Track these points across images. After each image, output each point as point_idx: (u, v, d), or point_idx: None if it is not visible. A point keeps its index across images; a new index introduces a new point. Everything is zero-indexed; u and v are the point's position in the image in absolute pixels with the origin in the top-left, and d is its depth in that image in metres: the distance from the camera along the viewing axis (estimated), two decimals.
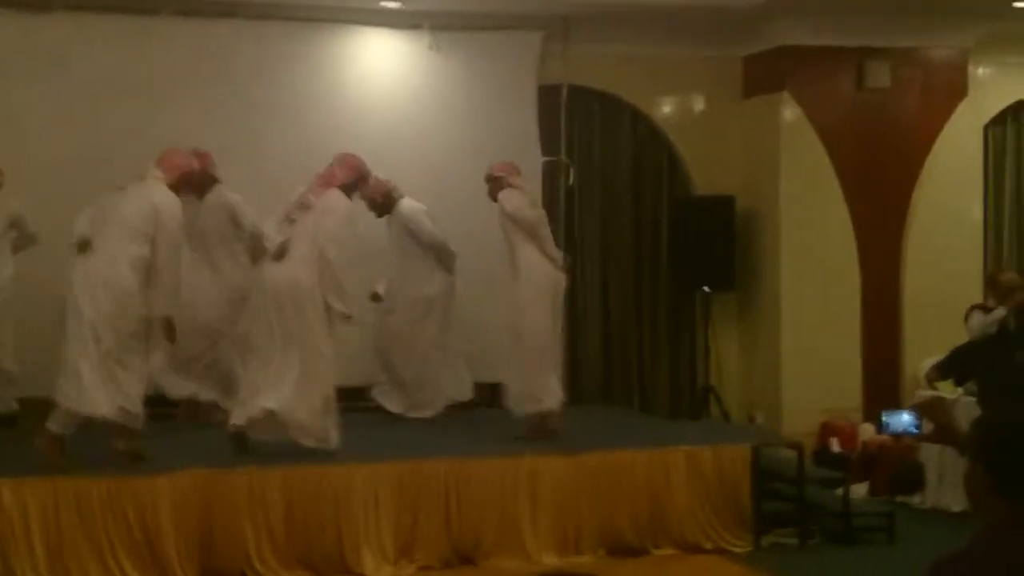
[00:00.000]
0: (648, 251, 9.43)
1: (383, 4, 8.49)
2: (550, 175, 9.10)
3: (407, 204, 7.95)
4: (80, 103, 8.10)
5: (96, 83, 8.16)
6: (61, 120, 8.06)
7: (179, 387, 7.65)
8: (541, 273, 7.23)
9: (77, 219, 6.56)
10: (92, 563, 6.04)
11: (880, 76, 9.01)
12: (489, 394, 8.07)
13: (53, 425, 6.30)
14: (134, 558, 6.10)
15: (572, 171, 9.14)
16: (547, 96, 9.05)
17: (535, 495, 6.74)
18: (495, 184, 7.38)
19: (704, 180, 9.36)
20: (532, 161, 8.91)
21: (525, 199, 7.41)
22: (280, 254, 6.72)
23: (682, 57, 9.24)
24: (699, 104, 9.48)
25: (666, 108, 9.45)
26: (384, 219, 8.00)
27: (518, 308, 7.20)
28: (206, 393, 7.67)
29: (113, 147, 7.93)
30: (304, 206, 6.81)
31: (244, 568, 6.27)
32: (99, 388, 6.23)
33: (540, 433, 7.19)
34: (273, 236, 6.80)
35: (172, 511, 6.16)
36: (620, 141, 9.42)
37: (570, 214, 9.22)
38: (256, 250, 7.42)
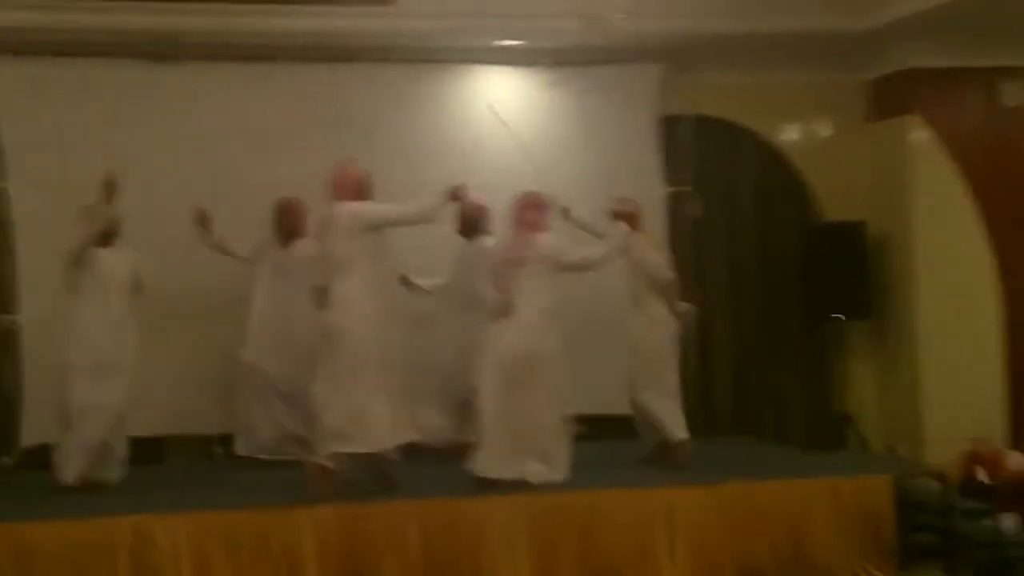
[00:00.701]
0: (778, 279, 9.31)
1: (501, 43, 8.56)
2: (674, 206, 9.06)
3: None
4: (203, 149, 8.31)
5: (219, 129, 8.38)
6: (184, 165, 8.27)
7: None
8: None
9: None
10: None
11: (1016, 94, 8.83)
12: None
13: (326, 459, 6.55)
14: None
15: (698, 201, 9.08)
16: (669, 127, 9.03)
17: (672, 527, 6.68)
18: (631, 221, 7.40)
19: (832, 206, 9.24)
20: (655, 193, 8.92)
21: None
22: (506, 311, 6.81)
23: (805, 82, 9.15)
24: (824, 129, 9.38)
25: (790, 134, 9.36)
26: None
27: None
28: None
29: (234, 192, 8.17)
30: (519, 262, 6.86)
31: None
32: (383, 423, 6.58)
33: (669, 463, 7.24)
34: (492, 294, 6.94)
35: (315, 546, 6.23)
36: (744, 169, 9.34)
37: (696, 245, 9.15)
38: None
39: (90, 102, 8.21)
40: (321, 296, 6.73)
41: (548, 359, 6.84)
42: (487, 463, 6.76)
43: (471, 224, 7.90)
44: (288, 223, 8.02)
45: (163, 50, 8.22)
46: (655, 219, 8.83)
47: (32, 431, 8.02)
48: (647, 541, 6.63)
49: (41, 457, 7.94)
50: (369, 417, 6.62)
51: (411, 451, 6.98)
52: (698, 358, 9.05)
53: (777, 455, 8.37)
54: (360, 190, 6.91)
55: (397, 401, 6.74)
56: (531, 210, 7.02)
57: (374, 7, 8.01)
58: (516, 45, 8.60)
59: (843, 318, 9.03)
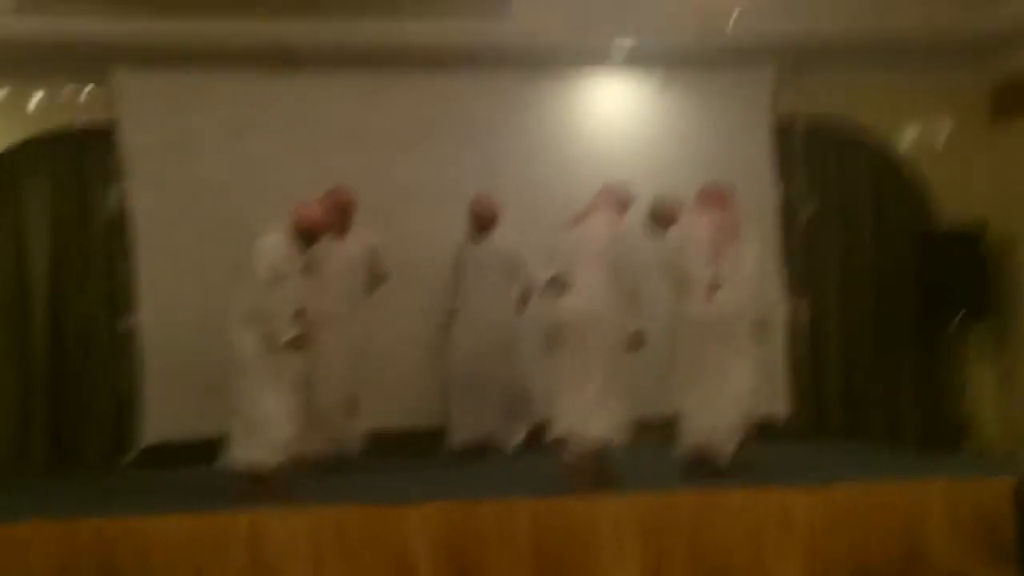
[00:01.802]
0: (893, 282, 9.15)
1: (615, 47, 8.57)
2: (786, 209, 8.98)
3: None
4: (323, 155, 8.45)
5: (338, 136, 8.52)
6: (304, 172, 8.37)
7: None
8: None
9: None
10: None
11: None
12: None
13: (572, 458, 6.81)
14: None
15: (810, 204, 8.98)
16: (783, 129, 8.95)
17: (785, 529, 6.60)
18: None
19: (951, 208, 9.06)
20: (768, 193, 8.86)
21: None
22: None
23: (924, 83, 8.98)
24: (943, 131, 9.20)
25: (908, 136, 9.20)
26: None
27: None
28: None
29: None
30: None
31: None
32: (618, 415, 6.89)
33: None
34: None
35: (425, 542, 6.32)
36: (860, 171, 9.22)
37: (809, 247, 9.06)
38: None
39: (210, 109, 8.43)
40: (556, 286, 6.90)
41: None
42: None
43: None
44: (481, 218, 8.12)
45: (282, 59, 8.39)
46: (767, 221, 8.80)
47: (151, 430, 8.26)
48: (759, 542, 6.57)
49: (159, 455, 8.22)
50: (606, 408, 6.83)
51: None
52: (810, 360, 8.96)
53: (891, 457, 8.22)
54: None
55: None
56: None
57: (490, 14, 8.07)
58: (630, 49, 8.59)
59: (960, 321, 8.82)
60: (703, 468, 7.09)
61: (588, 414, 6.83)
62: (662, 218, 7.53)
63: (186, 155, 8.36)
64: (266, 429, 6.77)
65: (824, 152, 9.19)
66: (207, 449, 8.14)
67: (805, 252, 9.04)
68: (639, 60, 8.73)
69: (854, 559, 6.61)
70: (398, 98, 8.62)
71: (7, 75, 8.31)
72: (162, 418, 8.22)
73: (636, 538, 6.51)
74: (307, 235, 7.08)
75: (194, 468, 8.01)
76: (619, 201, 7.25)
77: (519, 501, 6.53)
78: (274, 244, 6.98)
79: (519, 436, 8.14)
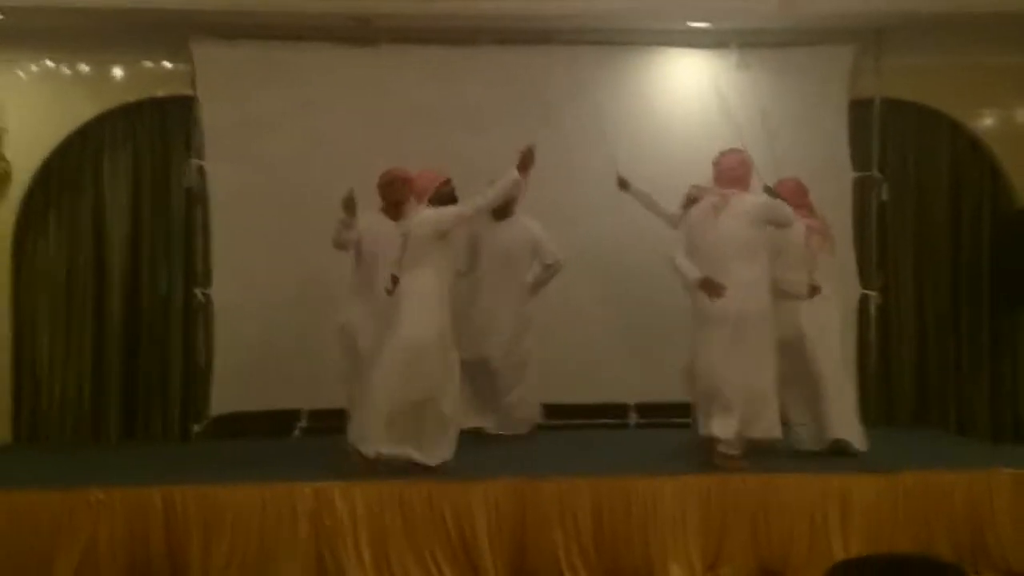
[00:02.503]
0: (967, 268, 9.05)
1: (691, 24, 8.53)
2: (862, 191, 8.89)
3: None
4: (397, 132, 8.43)
5: (414, 112, 8.52)
6: (379, 147, 8.32)
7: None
8: None
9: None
10: (412, 564, 6.31)
11: None
12: None
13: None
14: (451, 561, 6.34)
15: (885, 187, 8.88)
16: (859, 110, 8.85)
17: (846, 514, 6.57)
18: None
19: None
20: (843, 177, 8.77)
21: None
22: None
23: (1005, 65, 8.83)
24: (1022, 114, 9.04)
25: (987, 119, 9.05)
26: None
27: None
28: None
29: None
30: None
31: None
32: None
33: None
34: None
35: (486, 517, 6.37)
36: (936, 154, 9.10)
37: (883, 231, 8.97)
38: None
39: (288, 84, 8.50)
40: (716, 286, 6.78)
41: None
42: None
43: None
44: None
45: (359, 33, 8.44)
46: (844, 204, 8.72)
47: (221, 401, 8.42)
48: (820, 527, 6.53)
49: (230, 425, 8.36)
50: (772, 404, 6.88)
51: None
52: (881, 346, 8.88)
53: (959, 446, 8.16)
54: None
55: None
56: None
57: None
58: (705, 28, 8.53)
59: None
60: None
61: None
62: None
63: (263, 130, 8.45)
64: None
65: (902, 134, 9.08)
66: (275, 420, 8.36)
67: (880, 235, 8.93)
68: (716, 38, 8.67)
69: (918, 546, 6.54)
70: (474, 73, 8.63)
71: (90, 48, 8.48)
72: (233, 390, 8.36)
73: (697, 518, 6.52)
74: None
75: (263, 439, 8.26)
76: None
77: (580, 479, 6.55)
78: None
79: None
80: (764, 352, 6.85)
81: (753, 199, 6.96)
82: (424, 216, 6.88)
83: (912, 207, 9.07)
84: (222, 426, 8.42)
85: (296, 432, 8.41)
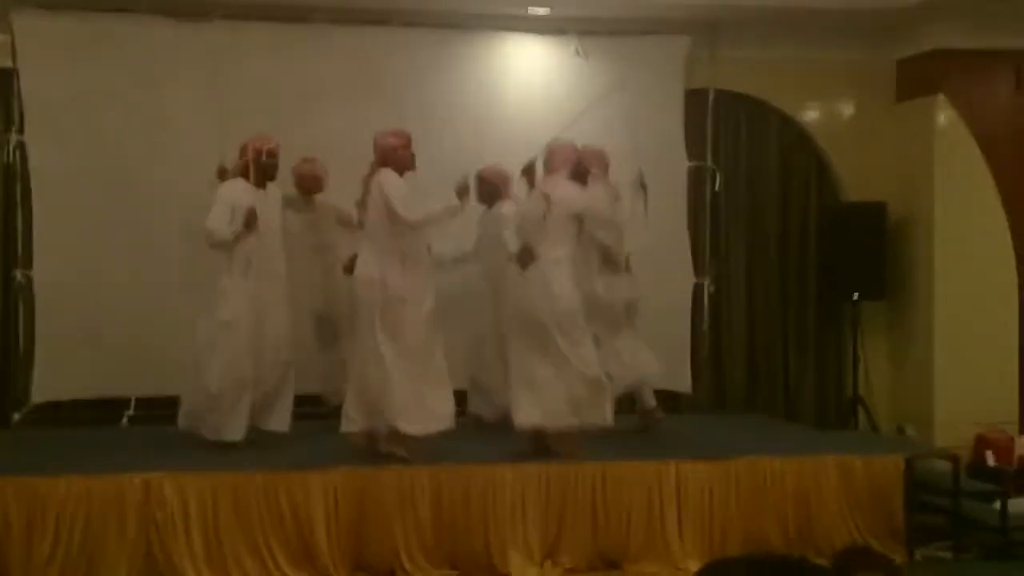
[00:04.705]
0: (795, 258, 9.30)
1: (530, 10, 8.52)
2: (695, 180, 9.04)
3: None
4: (233, 109, 8.20)
5: (249, 89, 8.29)
6: (214, 125, 8.15)
7: None
8: None
9: None
10: (247, 556, 6.20)
11: None
12: None
13: None
14: (288, 552, 6.24)
15: (718, 176, 9.05)
16: (693, 101, 8.98)
17: (682, 501, 6.70)
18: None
19: (854, 186, 9.19)
20: (678, 166, 8.90)
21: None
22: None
23: (832, 61, 9.08)
24: (849, 109, 9.32)
25: (815, 113, 9.30)
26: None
27: None
28: None
29: None
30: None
31: (394, 566, 6.35)
32: None
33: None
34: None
35: (324, 507, 6.27)
36: (767, 146, 9.30)
37: (716, 220, 9.14)
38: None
39: (115, 59, 8.18)
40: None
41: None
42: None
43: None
44: (488, 188, 7.87)
45: (192, 8, 8.19)
46: (679, 192, 8.84)
47: (44, 388, 8.07)
48: (656, 513, 6.65)
49: (53, 414, 8.05)
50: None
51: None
52: (713, 334, 9.05)
53: (788, 432, 8.38)
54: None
55: None
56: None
57: None
58: (544, 14, 8.54)
59: (859, 299, 8.98)
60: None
61: None
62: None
63: (89, 105, 8.12)
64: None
65: (734, 125, 9.25)
66: (102, 409, 8.07)
67: (712, 224, 9.10)
68: (555, 25, 8.69)
69: (749, 531, 6.72)
70: (310, 52, 8.44)
71: None
72: (56, 376, 8.03)
73: (537, 506, 6.55)
74: None
75: (86, 428, 7.96)
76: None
77: (420, 468, 6.50)
78: None
79: None
80: None
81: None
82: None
83: (744, 197, 9.26)
84: (44, 414, 8.09)
85: (124, 421, 8.14)
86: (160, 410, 7.68)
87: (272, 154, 7.27)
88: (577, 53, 8.77)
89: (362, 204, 7.08)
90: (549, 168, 7.08)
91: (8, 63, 8.13)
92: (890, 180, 9.11)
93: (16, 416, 8.10)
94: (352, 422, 6.75)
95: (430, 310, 6.77)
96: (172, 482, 6.19)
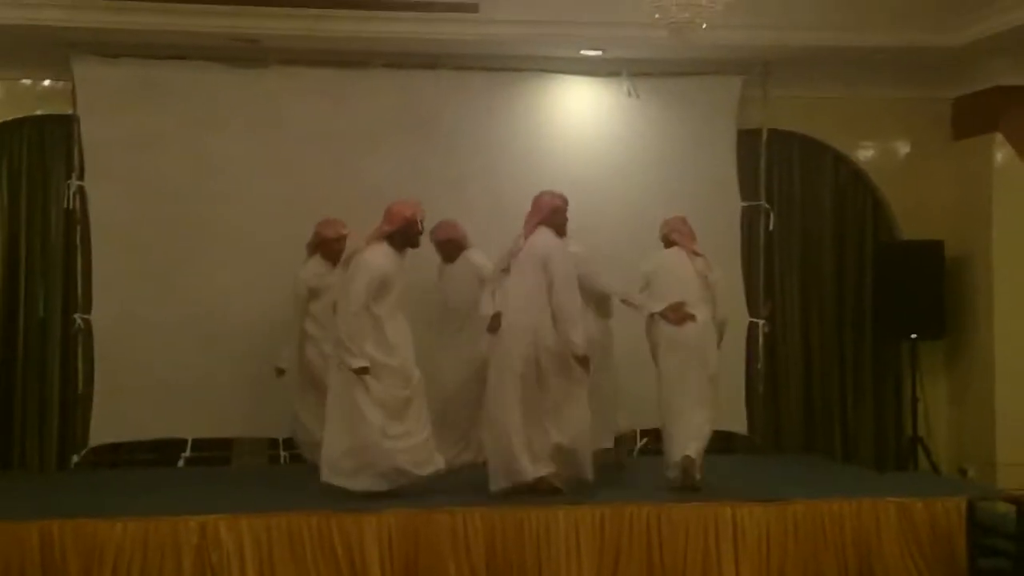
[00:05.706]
0: (851, 297, 9.20)
1: (583, 53, 8.56)
2: (750, 220, 9.00)
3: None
4: (289, 154, 8.37)
5: (305, 134, 8.43)
6: (270, 171, 8.34)
7: None
8: None
9: None
10: None
11: None
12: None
13: None
14: None
15: (772, 216, 9.01)
16: (747, 140, 8.96)
17: (738, 543, 6.62)
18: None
19: (910, 225, 9.10)
20: (731, 206, 8.87)
21: None
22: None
23: (886, 99, 9.04)
24: (904, 147, 9.25)
25: (870, 151, 9.24)
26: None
27: None
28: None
29: (320, 197, 8.20)
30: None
31: None
32: None
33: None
34: None
35: (379, 548, 6.27)
36: (822, 186, 9.24)
37: (770, 260, 9.08)
38: None
39: (172, 105, 8.32)
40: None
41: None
42: None
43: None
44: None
45: (248, 54, 8.30)
46: (731, 233, 8.81)
47: (102, 430, 8.13)
48: (712, 555, 6.58)
49: (111, 455, 8.12)
50: None
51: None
52: (768, 374, 8.98)
53: (846, 474, 8.26)
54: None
55: None
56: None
57: (460, 14, 8.01)
58: (597, 56, 8.57)
59: (917, 338, 8.88)
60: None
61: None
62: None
63: (146, 151, 8.25)
64: None
65: (789, 165, 9.21)
66: (158, 450, 8.14)
67: (767, 264, 9.05)
68: (607, 66, 8.71)
69: (807, 574, 6.63)
70: (365, 96, 8.54)
71: None
72: (114, 418, 8.10)
73: (591, 547, 6.51)
74: None
75: (143, 468, 8.02)
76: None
77: (474, 509, 6.49)
78: None
79: None
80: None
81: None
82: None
83: (798, 236, 9.20)
84: (102, 456, 8.16)
85: (180, 462, 8.19)
86: (216, 451, 7.72)
87: (421, 223, 7.21)
88: (629, 94, 8.79)
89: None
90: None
91: (69, 110, 8.27)
92: (947, 218, 9.03)
93: (75, 458, 8.17)
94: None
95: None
96: (227, 524, 6.22)
